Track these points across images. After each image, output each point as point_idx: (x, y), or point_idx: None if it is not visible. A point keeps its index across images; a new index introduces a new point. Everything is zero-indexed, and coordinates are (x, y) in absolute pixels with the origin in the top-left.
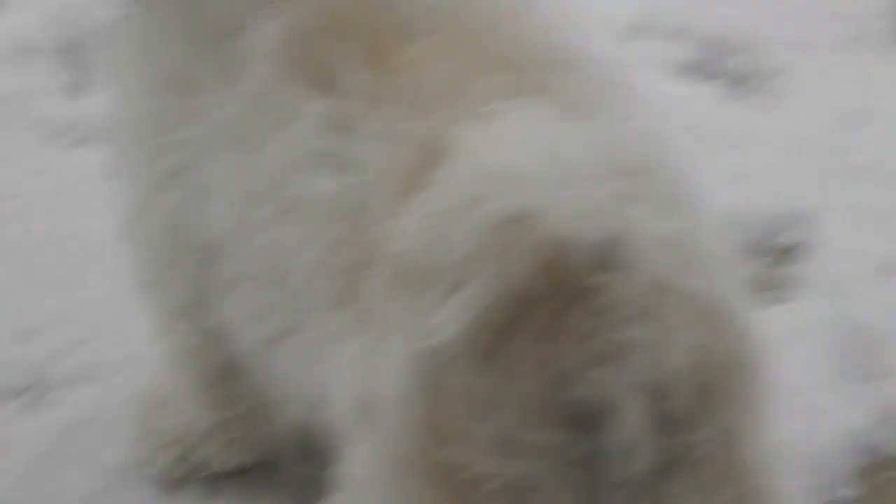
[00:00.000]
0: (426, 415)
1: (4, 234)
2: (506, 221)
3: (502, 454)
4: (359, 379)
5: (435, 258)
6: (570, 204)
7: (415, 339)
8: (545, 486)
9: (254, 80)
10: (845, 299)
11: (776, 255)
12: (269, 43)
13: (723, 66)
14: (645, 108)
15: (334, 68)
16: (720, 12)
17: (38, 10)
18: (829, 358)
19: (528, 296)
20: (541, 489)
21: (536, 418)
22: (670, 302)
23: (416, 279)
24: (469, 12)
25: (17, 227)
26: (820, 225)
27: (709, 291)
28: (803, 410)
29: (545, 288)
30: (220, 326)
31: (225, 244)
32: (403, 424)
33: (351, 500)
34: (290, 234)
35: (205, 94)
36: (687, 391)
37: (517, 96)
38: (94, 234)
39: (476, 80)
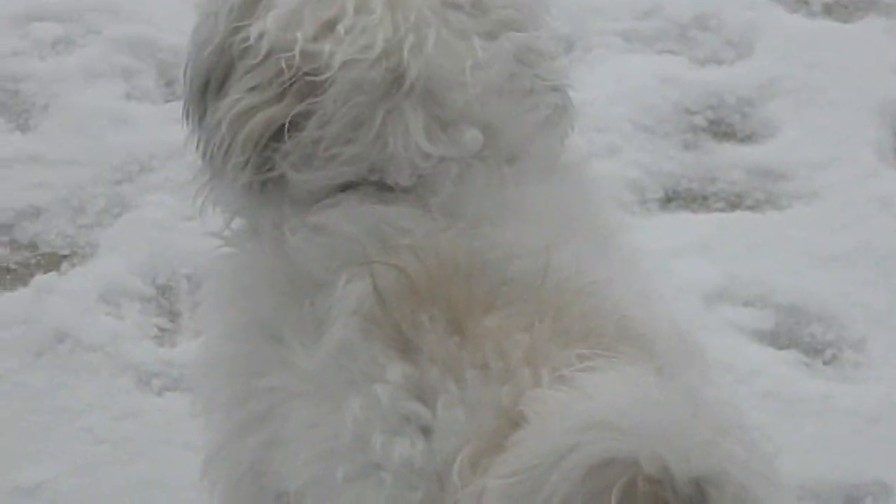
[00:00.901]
0: None
1: (93, 479)
2: (599, 467)
3: None
4: None
5: None
6: (663, 448)
7: None
8: None
9: (337, 337)
10: None
11: None
12: (354, 302)
13: (801, 335)
14: (720, 376)
15: (415, 333)
16: (801, 280)
17: (131, 255)
18: None
19: None
20: None
21: None
22: None
23: None
24: (547, 285)
25: (105, 470)
26: None
27: None
28: None
29: None
30: None
31: (301, 497)
32: None
33: None
34: (369, 495)
35: (290, 344)
36: None
37: (595, 365)
38: (180, 479)
39: (555, 350)
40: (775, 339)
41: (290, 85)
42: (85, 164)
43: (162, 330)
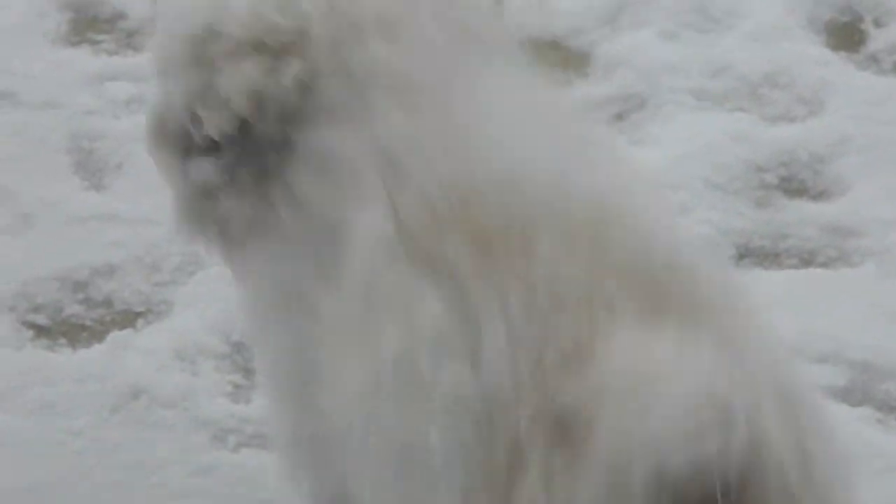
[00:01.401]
0: None
1: None
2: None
3: None
4: None
5: None
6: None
7: None
8: None
9: (361, 271)
10: None
11: None
12: (373, 233)
13: (875, 391)
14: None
15: (445, 259)
16: (874, 337)
17: (205, 312)
18: None
19: None
20: None
21: None
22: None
23: None
24: (570, 213)
25: None
26: None
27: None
28: None
29: None
30: None
31: (350, 433)
32: None
33: None
34: (420, 428)
35: (315, 294)
36: None
37: (634, 304)
38: None
39: (598, 282)
40: (849, 395)
41: None
42: (159, 223)
43: (237, 386)
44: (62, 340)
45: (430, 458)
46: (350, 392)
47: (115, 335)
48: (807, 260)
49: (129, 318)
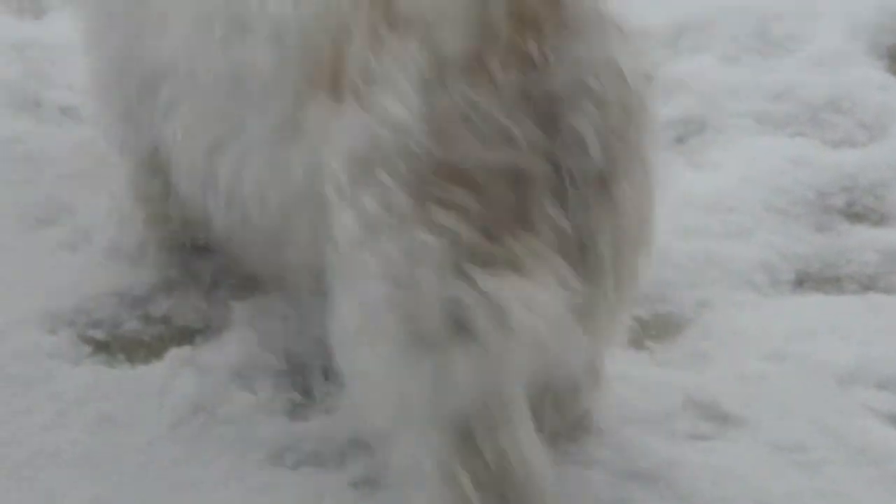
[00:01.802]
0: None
1: None
2: None
3: (493, 146)
4: (357, 135)
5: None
6: None
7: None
8: (526, 172)
9: None
10: None
11: None
12: None
13: None
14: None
15: None
16: None
17: (264, 329)
18: None
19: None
20: (523, 176)
21: (515, 114)
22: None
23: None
24: None
25: None
26: None
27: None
28: None
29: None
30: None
31: (174, 65)
32: (414, 145)
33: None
34: (245, 54)
35: None
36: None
37: None
38: None
39: None
40: None
41: None
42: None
43: (295, 404)
44: (121, 356)
45: (257, 82)
46: (182, 21)
47: (173, 352)
48: (867, 285)
49: (187, 335)
